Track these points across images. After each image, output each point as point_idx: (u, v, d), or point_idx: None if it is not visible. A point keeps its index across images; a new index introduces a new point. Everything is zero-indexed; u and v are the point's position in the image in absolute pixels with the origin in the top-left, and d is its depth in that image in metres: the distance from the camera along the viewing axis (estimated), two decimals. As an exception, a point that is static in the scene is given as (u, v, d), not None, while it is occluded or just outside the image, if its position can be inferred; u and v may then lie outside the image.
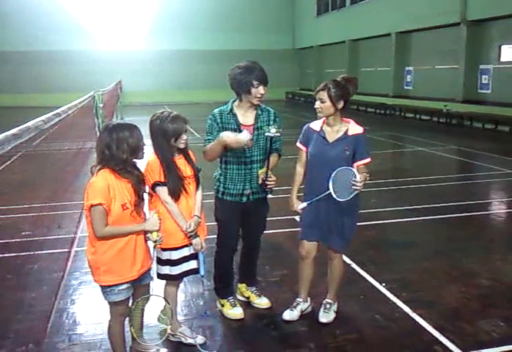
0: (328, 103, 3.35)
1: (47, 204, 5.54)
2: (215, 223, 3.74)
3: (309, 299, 3.83)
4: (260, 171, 3.53)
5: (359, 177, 3.21)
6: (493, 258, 4.94)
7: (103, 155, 2.80)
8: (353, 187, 3.22)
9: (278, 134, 3.37)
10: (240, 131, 3.45)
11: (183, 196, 3.16)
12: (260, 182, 3.48)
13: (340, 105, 3.37)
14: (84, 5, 28.80)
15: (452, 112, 16.57)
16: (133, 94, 29.24)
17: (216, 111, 3.58)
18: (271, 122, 3.60)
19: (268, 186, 3.48)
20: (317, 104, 3.40)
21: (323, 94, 3.36)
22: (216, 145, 3.38)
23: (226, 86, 3.63)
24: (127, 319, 3.02)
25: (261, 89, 3.42)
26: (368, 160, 3.45)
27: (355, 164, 3.40)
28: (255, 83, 3.38)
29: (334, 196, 3.23)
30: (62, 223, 6.10)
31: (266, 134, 3.39)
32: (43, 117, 3.81)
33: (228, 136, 3.28)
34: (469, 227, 6.05)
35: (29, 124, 3.26)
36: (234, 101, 3.60)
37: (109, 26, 29.42)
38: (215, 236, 3.75)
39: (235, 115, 3.52)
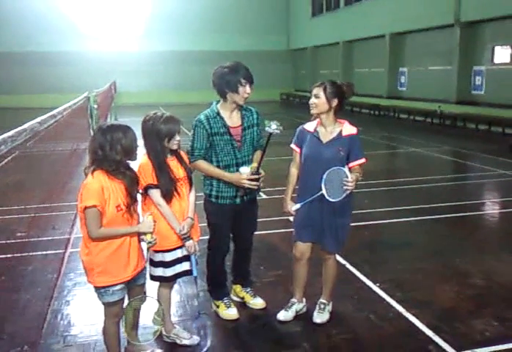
0: (322, 99, 3.38)
1: (41, 205, 5.52)
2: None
3: (304, 300, 3.84)
4: (250, 166, 3.51)
5: (350, 177, 3.23)
6: (486, 258, 4.97)
7: (96, 156, 2.80)
8: (345, 187, 3.23)
9: (278, 131, 3.35)
10: (230, 134, 3.48)
11: (176, 198, 3.15)
12: (250, 175, 3.43)
13: (334, 103, 3.40)
14: (78, 6, 28.71)
15: (445, 113, 16.64)
16: (127, 95, 29.19)
17: (202, 117, 3.50)
18: (255, 121, 3.60)
19: (259, 181, 3.45)
20: (312, 100, 3.43)
21: (319, 90, 3.40)
22: (226, 177, 3.45)
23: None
24: (121, 320, 3.02)
25: (248, 88, 3.42)
26: (363, 160, 3.47)
27: (350, 165, 3.42)
28: (243, 81, 3.38)
29: (327, 196, 3.24)
30: (57, 224, 6.09)
31: (266, 129, 3.38)
32: (39, 119, 3.81)
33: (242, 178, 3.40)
34: (463, 227, 6.08)
35: (25, 126, 3.26)
36: (217, 103, 3.57)
37: (103, 27, 29.33)
38: (208, 237, 3.75)
39: (222, 118, 3.49)
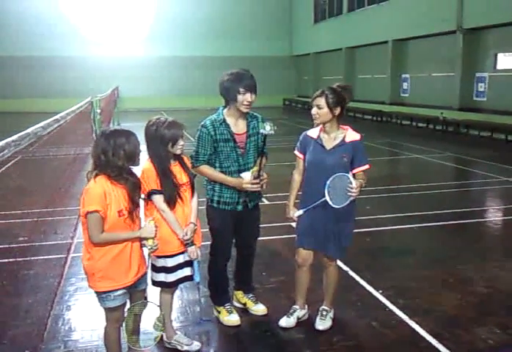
0: (325, 109, 3.35)
1: (44, 209, 5.52)
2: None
3: (306, 306, 3.82)
4: (251, 170, 3.50)
5: (354, 184, 3.21)
6: (489, 265, 4.95)
7: (99, 161, 2.80)
8: (349, 193, 3.22)
9: (272, 132, 3.31)
10: (235, 141, 3.47)
11: (179, 204, 3.15)
12: (252, 179, 3.43)
13: (337, 111, 3.38)
14: (82, 11, 28.85)
15: (448, 120, 16.63)
16: (130, 100, 29.24)
17: (208, 122, 3.48)
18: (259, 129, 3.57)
19: (261, 183, 3.44)
20: (315, 110, 3.39)
21: (321, 101, 3.36)
22: (229, 181, 3.46)
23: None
24: (123, 325, 3.01)
25: (248, 97, 3.38)
26: (366, 166, 3.46)
27: (353, 171, 3.41)
28: (241, 90, 3.34)
29: (330, 202, 3.22)
30: (59, 229, 6.08)
31: (261, 131, 3.35)
32: (42, 124, 3.82)
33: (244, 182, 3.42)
34: (466, 234, 6.06)
35: (29, 130, 3.27)
36: (224, 109, 3.55)
37: (107, 32, 29.47)
38: (209, 242, 3.74)
39: (228, 125, 3.47)
